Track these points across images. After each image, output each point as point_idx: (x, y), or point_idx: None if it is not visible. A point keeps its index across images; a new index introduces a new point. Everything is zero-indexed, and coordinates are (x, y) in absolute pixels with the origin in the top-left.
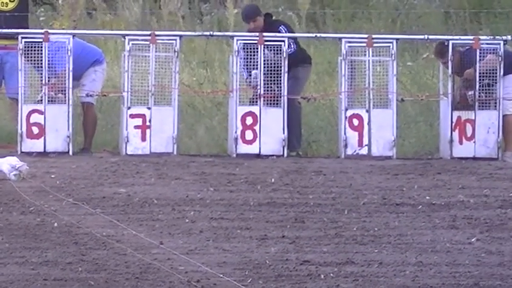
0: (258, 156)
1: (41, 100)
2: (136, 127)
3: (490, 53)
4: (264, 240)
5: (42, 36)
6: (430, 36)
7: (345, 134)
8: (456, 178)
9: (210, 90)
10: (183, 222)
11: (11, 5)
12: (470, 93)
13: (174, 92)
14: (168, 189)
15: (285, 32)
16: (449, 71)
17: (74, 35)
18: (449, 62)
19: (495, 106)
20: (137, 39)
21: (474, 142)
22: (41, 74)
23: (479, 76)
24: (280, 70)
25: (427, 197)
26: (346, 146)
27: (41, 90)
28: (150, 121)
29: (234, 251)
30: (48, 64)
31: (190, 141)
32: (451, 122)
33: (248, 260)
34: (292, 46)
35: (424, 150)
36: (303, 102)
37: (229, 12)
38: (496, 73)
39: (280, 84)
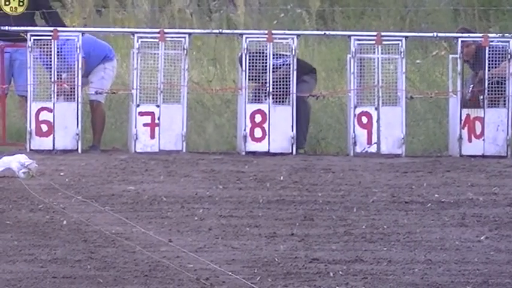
0: (267, 153)
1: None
2: (145, 125)
3: (503, 59)
4: (273, 237)
5: (52, 33)
6: (439, 34)
7: (353, 131)
8: (465, 176)
9: (219, 87)
10: (192, 219)
11: (20, 9)
12: (482, 97)
13: (183, 90)
14: (177, 187)
15: None
16: (458, 67)
17: (83, 33)
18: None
19: (504, 104)
20: (146, 37)
21: (483, 140)
22: (50, 71)
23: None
24: (289, 70)
25: (436, 195)
26: (355, 143)
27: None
28: (159, 119)
29: (242, 249)
30: (60, 61)
31: (199, 138)
32: (460, 119)
33: (257, 258)
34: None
35: (433, 148)
36: (312, 100)
37: (240, 10)
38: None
39: (290, 83)
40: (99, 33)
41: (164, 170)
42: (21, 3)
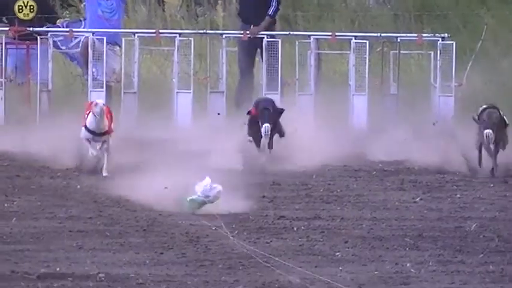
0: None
1: None
2: None
3: None
4: (247, 199)
5: (67, 33)
6: (382, 34)
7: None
8: None
9: (203, 77)
10: None
11: (31, 15)
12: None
13: (176, 80)
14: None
15: None
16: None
17: (93, 33)
18: None
19: None
20: (144, 36)
21: None
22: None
23: None
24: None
25: (380, 165)
26: None
27: None
28: None
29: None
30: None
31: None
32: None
33: (235, 215)
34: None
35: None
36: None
37: (218, 15)
38: None
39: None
40: (107, 33)
41: None
42: (31, 10)
